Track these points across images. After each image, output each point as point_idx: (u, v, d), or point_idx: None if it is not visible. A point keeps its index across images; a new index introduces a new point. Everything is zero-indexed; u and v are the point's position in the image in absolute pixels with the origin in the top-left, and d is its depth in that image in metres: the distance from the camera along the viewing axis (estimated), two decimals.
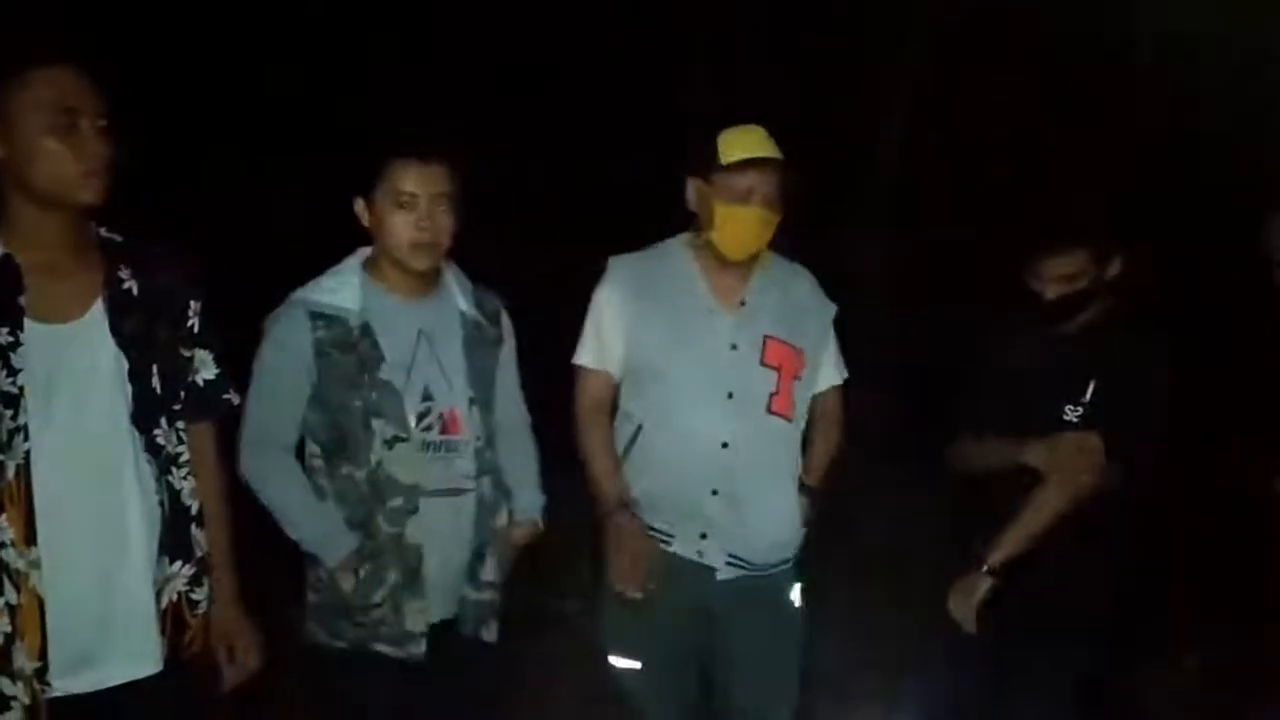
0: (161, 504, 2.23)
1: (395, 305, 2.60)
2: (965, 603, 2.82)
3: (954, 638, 2.92)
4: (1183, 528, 3.35)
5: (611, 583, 2.72)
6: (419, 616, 2.56)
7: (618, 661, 2.79)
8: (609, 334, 2.80)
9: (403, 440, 2.52)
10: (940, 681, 3.02)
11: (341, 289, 2.58)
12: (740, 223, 2.72)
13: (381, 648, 2.56)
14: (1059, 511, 2.78)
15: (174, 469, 2.27)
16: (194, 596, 2.31)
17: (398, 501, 2.52)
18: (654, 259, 2.85)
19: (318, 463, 2.59)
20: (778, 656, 2.84)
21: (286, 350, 2.54)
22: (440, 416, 2.58)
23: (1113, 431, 2.77)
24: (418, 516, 2.54)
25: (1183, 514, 3.26)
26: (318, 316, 2.53)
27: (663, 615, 2.75)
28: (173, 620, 2.27)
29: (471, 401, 2.63)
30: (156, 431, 2.23)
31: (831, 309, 2.94)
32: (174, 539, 2.26)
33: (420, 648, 2.57)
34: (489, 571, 2.66)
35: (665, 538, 2.76)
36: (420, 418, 2.55)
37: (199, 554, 2.32)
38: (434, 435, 2.57)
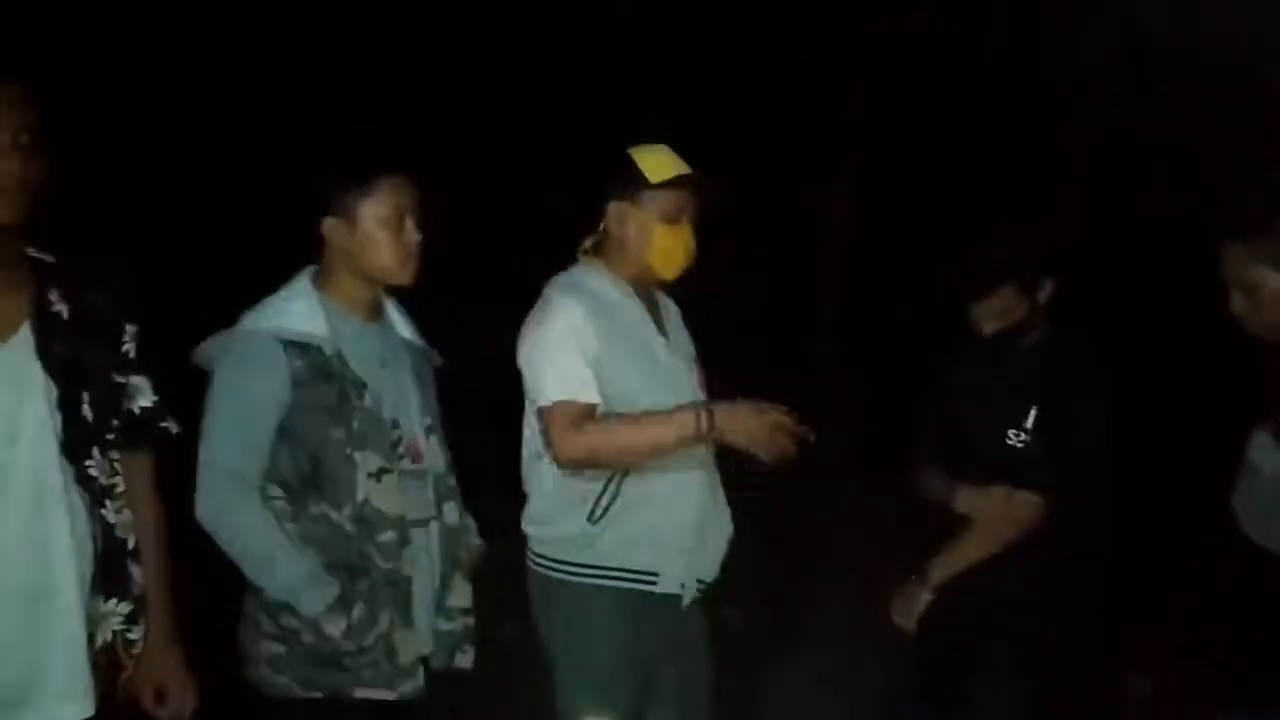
0: (94, 538, 2.13)
1: (355, 329, 2.49)
2: (906, 612, 2.96)
3: (906, 663, 3.03)
4: (1133, 547, 3.34)
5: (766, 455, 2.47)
6: (411, 650, 2.46)
7: None
8: (582, 360, 2.57)
9: (388, 471, 2.42)
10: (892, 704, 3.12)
11: (307, 314, 2.43)
12: (676, 241, 2.66)
13: (365, 693, 2.42)
14: (982, 556, 2.89)
15: (108, 501, 2.17)
16: (130, 636, 2.20)
17: (389, 535, 2.41)
18: (585, 291, 2.66)
19: (279, 504, 2.40)
20: (706, 666, 2.79)
21: (258, 383, 2.37)
22: (409, 445, 2.51)
23: (1055, 461, 2.83)
24: (410, 548, 2.45)
25: (1132, 533, 3.26)
26: (291, 345, 2.38)
27: (635, 665, 2.67)
28: (107, 660, 2.16)
29: (428, 429, 2.57)
30: (89, 462, 2.13)
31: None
32: (108, 575, 2.16)
33: (417, 682, 2.46)
34: (458, 598, 2.59)
35: (649, 578, 2.64)
36: (393, 446, 2.47)
37: (135, 591, 2.22)
38: (406, 464, 2.49)
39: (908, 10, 7.57)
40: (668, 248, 2.65)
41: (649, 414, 2.54)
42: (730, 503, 2.83)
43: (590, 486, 2.61)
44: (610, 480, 2.61)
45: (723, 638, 3.13)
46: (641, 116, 7.03)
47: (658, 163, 2.65)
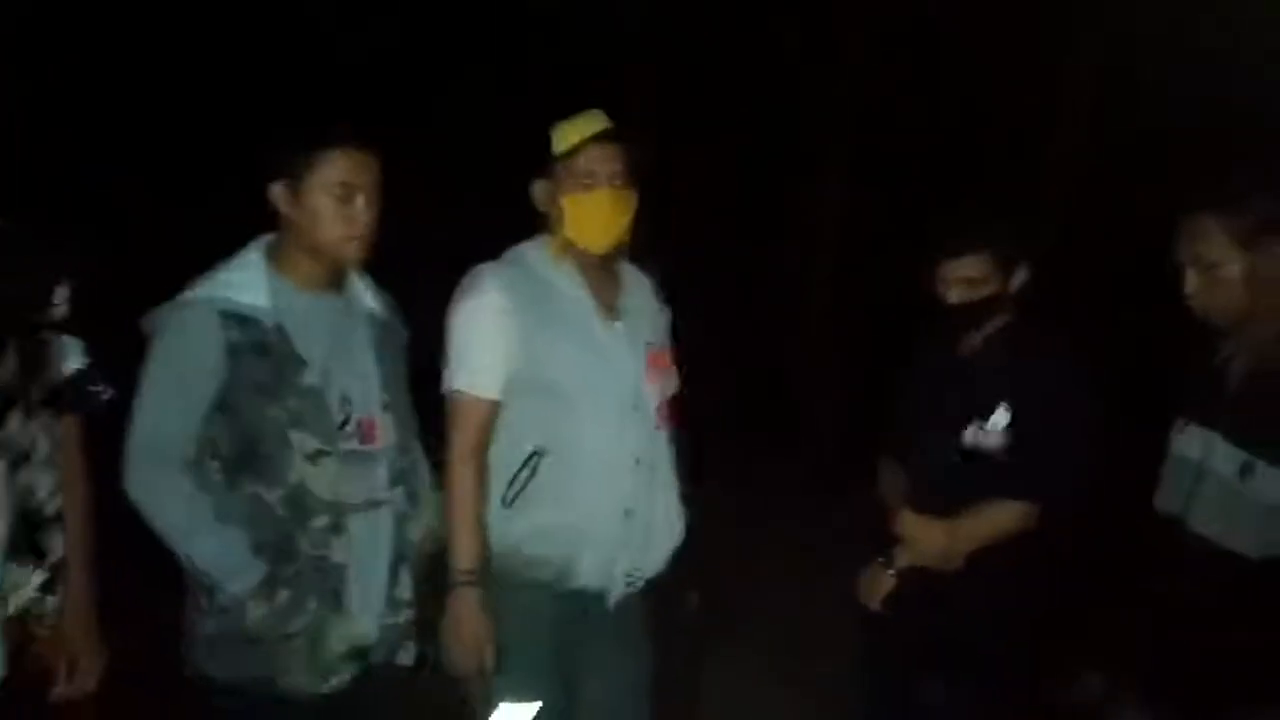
0: (9, 502, 2.06)
1: (307, 302, 2.41)
2: (871, 594, 2.92)
3: (862, 668, 3.01)
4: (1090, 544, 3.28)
5: (452, 660, 2.53)
6: (342, 641, 2.38)
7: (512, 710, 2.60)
8: (496, 350, 2.52)
9: (326, 454, 2.33)
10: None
11: (248, 285, 2.35)
12: (591, 209, 2.55)
13: (291, 681, 2.36)
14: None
15: (26, 465, 2.10)
16: (44, 605, 2.15)
17: (322, 521, 2.33)
18: (522, 266, 2.61)
19: (217, 479, 2.34)
20: (643, 663, 2.74)
21: (192, 354, 2.30)
22: (359, 424, 2.42)
23: (1030, 464, 2.76)
24: (345, 535, 2.36)
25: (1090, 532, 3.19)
26: (228, 316, 2.30)
27: (556, 656, 2.61)
28: (19, 628, 2.11)
29: (385, 407, 2.49)
30: (6, 424, 2.06)
31: (668, 312, 2.83)
32: (23, 542, 2.10)
33: (346, 675, 2.39)
34: (403, 589, 2.51)
35: (568, 570, 2.58)
36: (340, 426, 2.38)
37: (54, 559, 2.16)
38: (354, 445, 2.40)
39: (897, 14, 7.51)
40: (580, 217, 2.56)
41: (475, 529, 2.51)
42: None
43: (507, 468, 2.54)
44: (527, 462, 2.54)
45: (679, 622, 3.08)
46: (629, 109, 6.96)
47: (565, 132, 2.57)
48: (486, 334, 2.51)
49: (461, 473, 2.53)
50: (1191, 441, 2.37)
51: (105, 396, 2.27)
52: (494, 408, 2.53)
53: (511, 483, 2.54)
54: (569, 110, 2.61)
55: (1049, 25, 7.01)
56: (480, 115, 7.49)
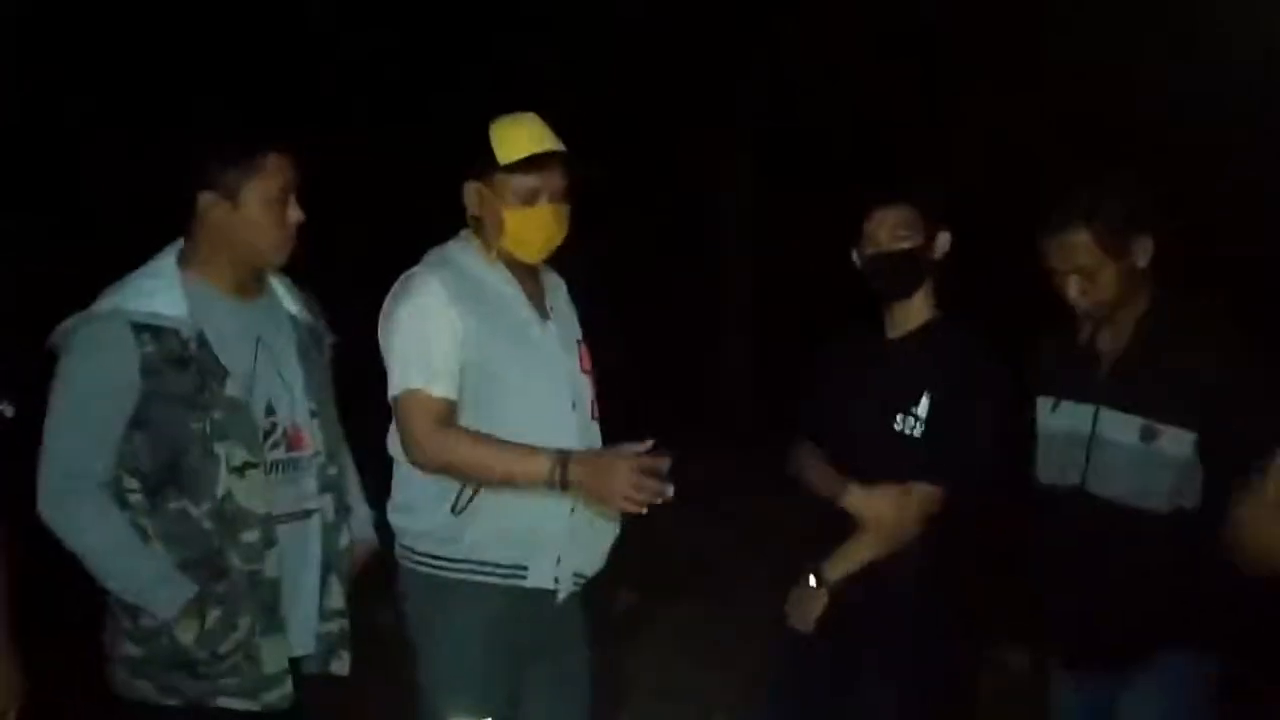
0: None
1: (226, 309, 2.33)
2: (802, 615, 2.85)
3: (791, 654, 2.95)
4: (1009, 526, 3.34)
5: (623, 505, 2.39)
6: (279, 657, 2.31)
7: None
8: (447, 348, 2.45)
9: (254, 466, 2.26)
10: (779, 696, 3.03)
11: (163, 293, 2.25)
12: (533, 225, 2.51)
13: (226, 701, 2.27)
14: (881, 554, 2.81)
15: None
16: None
17: (252, 535, 2.26)
18: (454, 267, 2.54)
19: (137, 499, 2.24)
20: (583, 660, 2.71)
21: (104, 370, 2.21)
22: (285, 433, 2.35)
23: (951, 451, 2.78)
24: (277, 548, 2.29)
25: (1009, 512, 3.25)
26: (142, 329, 2.21)
27: (506, 661, 2.56)
28: None
29: (312, 413, 2.41)
30: None
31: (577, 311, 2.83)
32: None
33: (284, 690, 2.31)
34: (335, 599, 2.45)
35: (518, 572, 2.52)
36: (265, 435, 2.31)
37: None
38: (281, 454, 2.33)
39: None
40: (520, 232, 2.52)
41: (514, 445, 2.42)
42: None
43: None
44: None
45: (614, 619, 3.05)
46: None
47: (513, 140, 2.50)
48: (436, 333, 2.44)
49: (448, 448, 2.41)
50: (1072, 418, 2.62)
51: (8, 414, 2.21)
52: (451, 407, 2.46)
53: (461, 489, 2.48)
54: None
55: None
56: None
